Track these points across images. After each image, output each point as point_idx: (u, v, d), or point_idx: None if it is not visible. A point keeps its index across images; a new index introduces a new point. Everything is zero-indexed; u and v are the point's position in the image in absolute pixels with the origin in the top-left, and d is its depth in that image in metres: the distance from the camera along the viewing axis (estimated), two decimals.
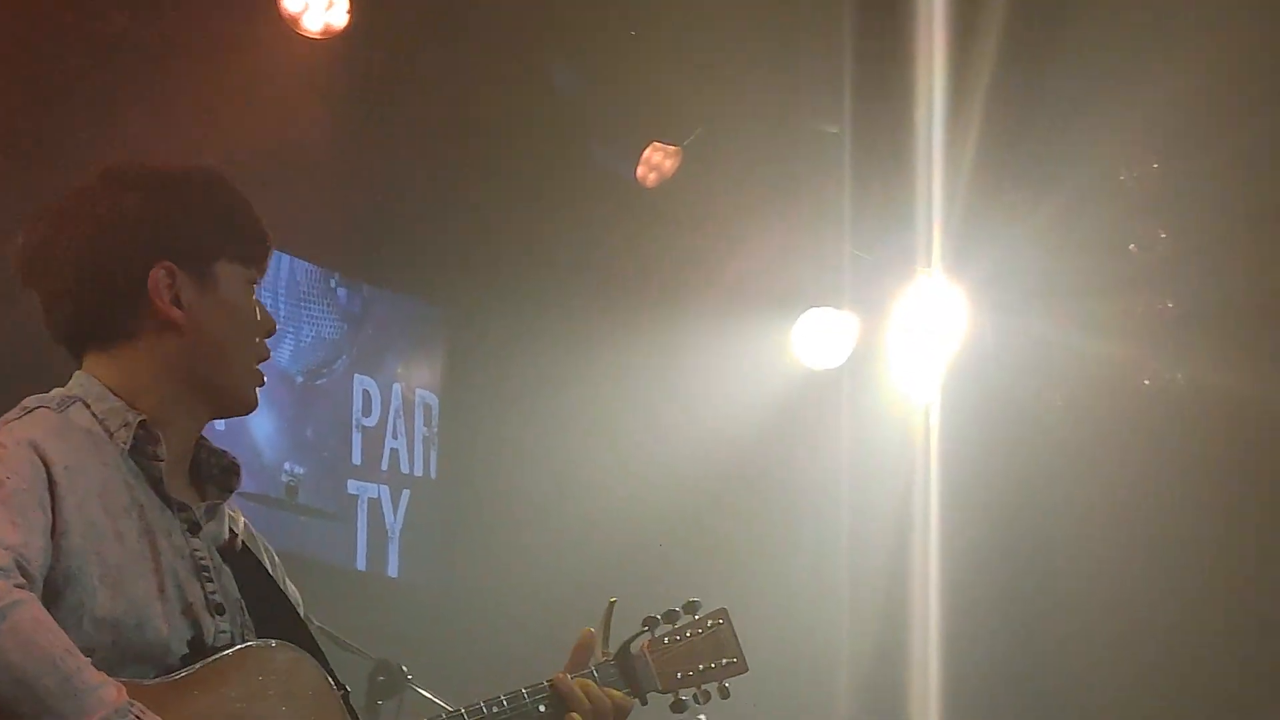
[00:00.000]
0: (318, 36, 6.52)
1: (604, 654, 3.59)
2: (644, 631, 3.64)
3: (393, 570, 7.31)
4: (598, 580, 7.03)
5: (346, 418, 7.22)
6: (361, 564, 7.18)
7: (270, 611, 3.15)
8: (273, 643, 3.07)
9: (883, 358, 7.74)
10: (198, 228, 3.14)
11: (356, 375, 7.32)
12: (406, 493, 7.36)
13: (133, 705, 2.76)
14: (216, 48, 6.44)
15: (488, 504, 7.42)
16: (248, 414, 3.26)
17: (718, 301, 7.57)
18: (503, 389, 7.44)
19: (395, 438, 7.36)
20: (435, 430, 7.48)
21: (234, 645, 3.04)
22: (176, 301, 3.09)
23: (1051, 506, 7.77)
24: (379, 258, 7.42)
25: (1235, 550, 7.80)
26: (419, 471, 7.45)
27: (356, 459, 7.16)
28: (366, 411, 7.30)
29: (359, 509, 7.11)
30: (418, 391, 7.47)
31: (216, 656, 2.99)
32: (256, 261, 3.20)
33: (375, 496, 7.21)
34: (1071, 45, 7.19)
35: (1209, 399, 7.58)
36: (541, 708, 3.44)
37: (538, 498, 7.35)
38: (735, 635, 3.73)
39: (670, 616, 3.67)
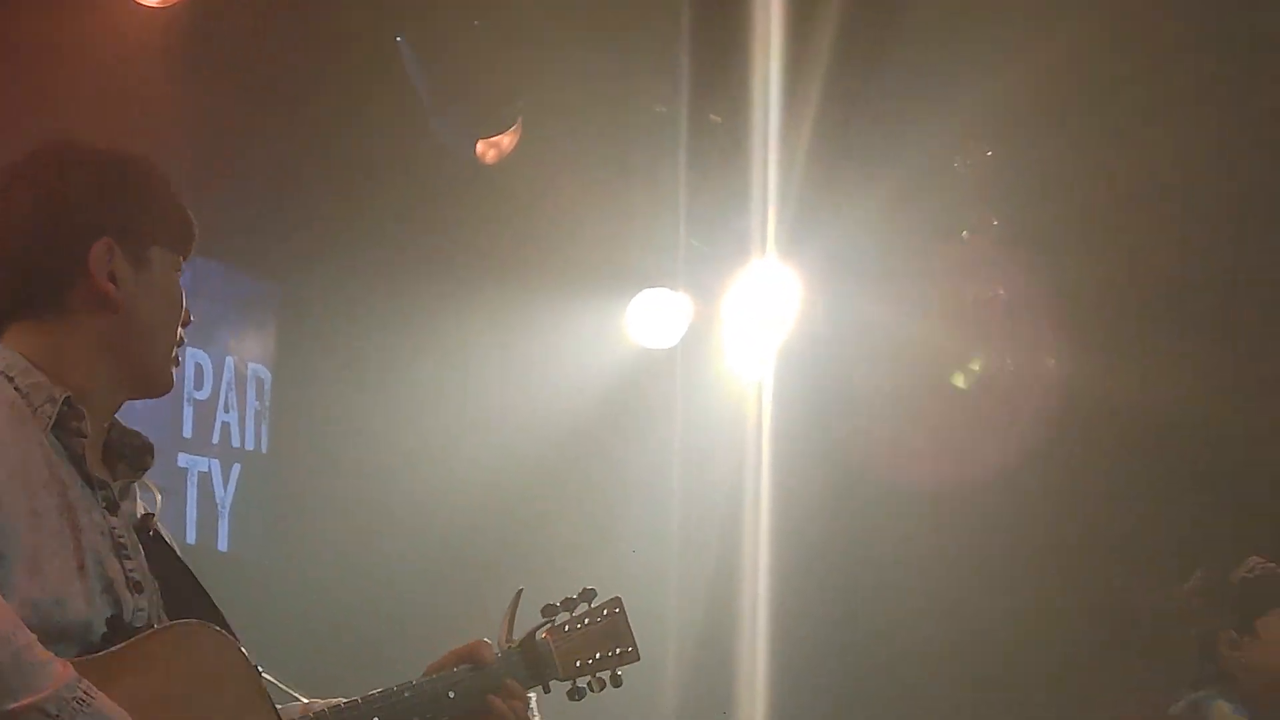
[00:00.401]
0: (155, 5, 6.43)
1: (508, 642, 3.62)
2: (547, 621, 3.67)
3: (223, 544, 7.22)
4: (429, 558, 7.13)
5: (178, 390, 7.08)
6: (191, 538, 7.09)
7: (182, 591, 3.15)
8: (193, 623, 3.06)
9: (716, 339, 7.79)
10: (138, 210, 3.18)
11: (188, 348, 7.20)
12: (238, 467, 7.26)
13: (80, 681, 2.77)
14: (50, 14, 6.32)
15: (319, 479, 7.36)
16: (163, 395, 3.27)
17: (554, 280, 7.55)
18: (337, 365, 7.39)
19: (227, 411, 7.27)
20: (268, 404, 7.39)
21: (152, 624, 3.03)
22: (112, 279, 3.10)
23: (878, 488, 7.88)
24: (212, 231, 7.28)
25: (1057, 536, 7.97)
26: (250, 445, 7.36)
27: (187, 432, 7.05)
28: (198, 384, 7.19)
29: (189, 482, 7.02)
30: (250, 365, 7.38)
31: (143, 635, 2.98)
32: (184, 250, 3.24)
33: (206, 470, 7.11)
34: (907, 34, 7.23)
35: (1038, 386, 7.73)
36: (451, 694, 3.45)
37: (371, 474, 7.30)
38: (629, 624, 3.79)
39: (568, 604, 3.70)
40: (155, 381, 3.21)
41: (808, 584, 7.79)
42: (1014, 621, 7.93)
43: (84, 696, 2.77)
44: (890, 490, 7.87)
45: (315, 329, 7.46)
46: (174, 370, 3.24)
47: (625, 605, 3.80)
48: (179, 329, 3.23)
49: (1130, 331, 7.75)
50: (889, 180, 7.54)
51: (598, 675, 3.72)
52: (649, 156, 7.53)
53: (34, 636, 2.77)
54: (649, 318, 7.74)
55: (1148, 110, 7.06)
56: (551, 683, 3.67)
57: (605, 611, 3.76)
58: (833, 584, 7.89)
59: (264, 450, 7.40)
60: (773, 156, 7.26)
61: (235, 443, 7.27)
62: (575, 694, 3.71)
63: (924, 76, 7.32)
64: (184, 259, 3.25)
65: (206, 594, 3.19)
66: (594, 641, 3.72)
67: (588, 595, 3.73)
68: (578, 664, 3.69)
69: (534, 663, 3.64)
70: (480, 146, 7.34)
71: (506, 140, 7.36)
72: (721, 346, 7.81)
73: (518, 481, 7.50)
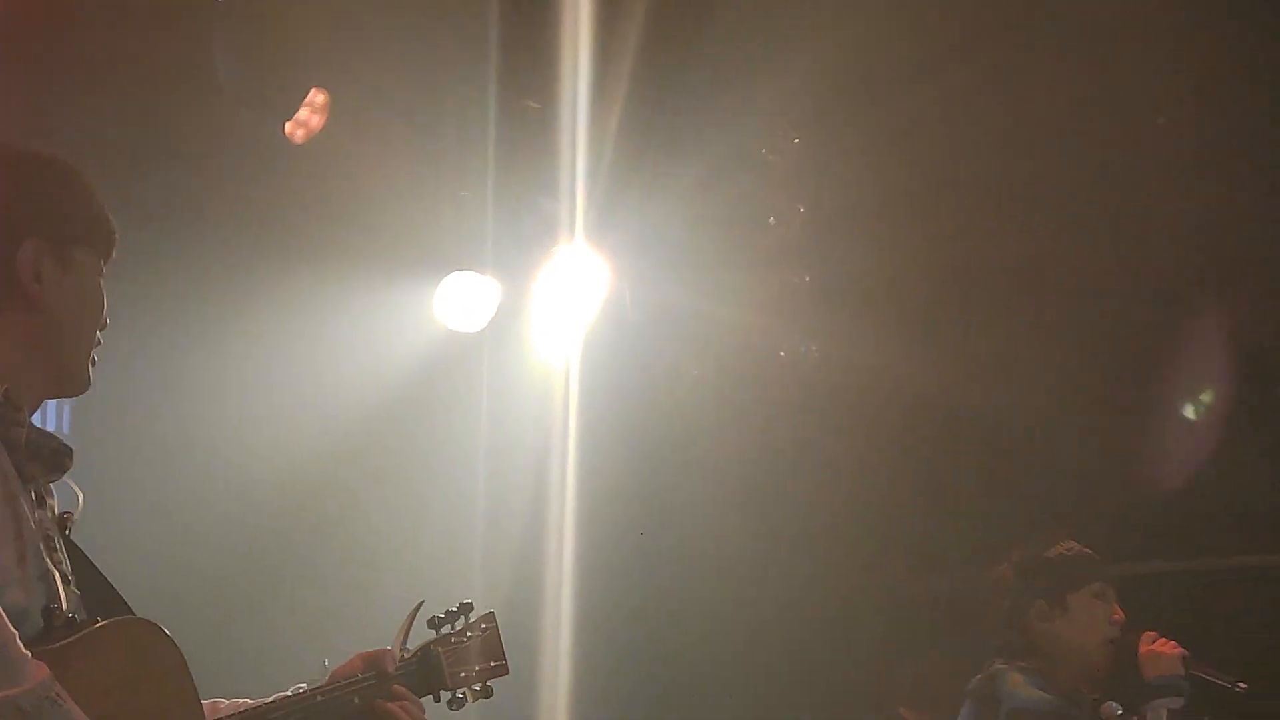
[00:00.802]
0: None
1: (403, 653, 3.77)
2: (437, 634, 3.87)
3: None
4: (235, 539, 7.06)
5: None
6: None
7: (96, 588, 3.21)
8: (138, 620, 3.14)
9: (524, 323, 7.79)
10: (63, 211, 3.24)
11: None
12: None
13: (54, 683, 2.81)
14: None
15: (124, 463, 7.25)
16: (79, 395, 3.35)
17: (362, 263, 7.51)
18: (140, 343, 7.27)
19: None
20: None
21: (77, 618, 3.07)
22: (38, 279, 3.15)
23: (684, 471, 7.96)
24: None
25: (856, 519, 8.13)
26: (52, 425, 7.26)
27: None
28: None
29: None
30: None
31: (93, 629, 3.03)
32: (105, 253, 3.29)
33: None
34: (717, 21, 7.25)
35: (841, 372, 7.82)
36: (356, 699, 3.59)
37: (176, 456, 7.20)
38: (500, 638, 4.03)
39: (451, 617, 3.92)
40: (75, 381, 3.28)
41: (612, 566, 7.83)
42: (813, 599, 8.09)
43: (57, 698, 2.81)
44: (695, 474, 7.94)
45: (120, 310, 7.34)
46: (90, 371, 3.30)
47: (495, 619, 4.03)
48: (98, 331, 3.29)
49: (933, 319, 7.89)
50: (696, 166, 7.58)
51: (473, 686, 3.92)
52: (457, 140, 7.49)
53: (15, 632, 2.80)
54: (457, 301, 7.70)
55: (950, 100, 7.12)
56: (440, 692, 3.86)
57: (483, 626, 3.98)
58: (637, 566, 7.96)
59: (65, 429, 7.27)
60: (581, 141, 7.25)
61: (37, 419, 7.16)
62: (455, 704, 3.90)
63: (732, 64, 7.33)
64: (105, 262, 3.30)
65: (118, 592, 3.26)
66: (474, 654, 3.93)
67: (465, 609, 3.94)
68: (461, 675, 3.89)
69: (427, 673, 3.83)
70: (289, 126, 7.23)
71: (315, 120, 7.25)
72: (529, 330, 7.81)
73: (324, 464, 7.45)
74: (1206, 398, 7.81)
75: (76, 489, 3.31)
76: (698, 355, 7.88)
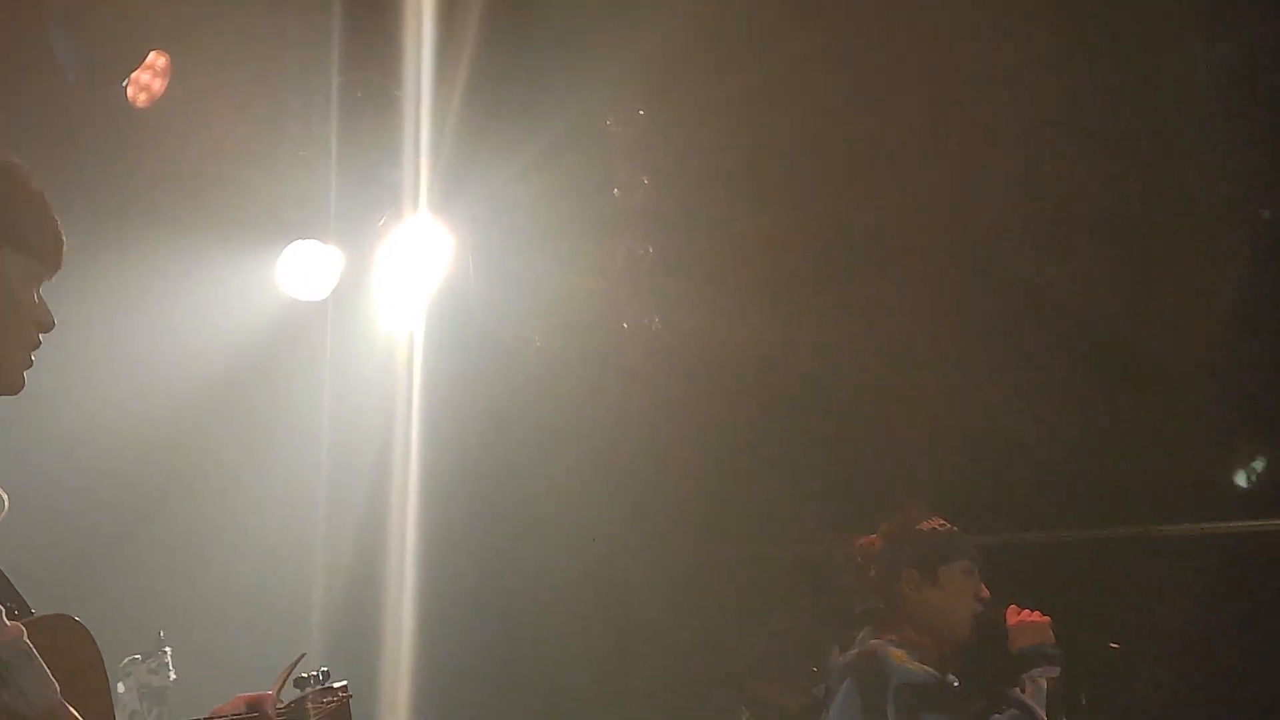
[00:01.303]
0: None
1: (279, 705, 3.83)
2: (307, 692, 3.98)
3: None
4: (73, 507, 6.93)
5: None
6: None
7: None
8: (64, 616, 3.22)
9: (367, 291, 7.75)
10: None
11: None
12: None
13: (25, 636, 2.87)
14: None
15: None
16: (13, 395, 3.39)
17: (205, 230, 7.40)
18: None
19: None
20: None
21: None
22: None
23: (528, 441, 7.92)
24: None
25: (706, 489, 8.18)
26: None
27: None
28: None
29: None
30: None
31: (26, 621, 3.05)
32: (44, 258, 3.29)
33: None
34: None
35: (683, 341, 7.85)
36: None
37: (9, 424, 7.09)
38: (350, 711, 4.12)
39: (315, 680, 4.02)
40: (2, 382, 3.31)
41: (456, 535, 7.81)
42: (661, 568, 8.08)
43: (29, 650, 2.86)
44: (539, 443, 7.91)
45: None
46: (25, 370, 3.36)
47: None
48: (35, 332, 3.30)
49: (777, 288, 7.89)
50: (541, 137, 7.56)
51: None
52: (301, 108, 7.43)
53: None
54: (299, 269, 7.62)
55: (792, 71, 7.15)
56: None
57: (340, 694, 4.08)
58: (480, 531, 7.94)
59: None
60: (425, 111, 7.22)
61: None
62: None
63: (577, 36, 7.33)
64: (45, 266, 3.31)
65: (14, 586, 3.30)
66: (330, 717, 4.05)
67: (329, 676, 4.04)
68: None
69: None
70: (130, 90, 7.13)
71: (157, 84, 7.15)
72: (372, 299, 7.76)
73: (166, 433, 7.37)
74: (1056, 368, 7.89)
75: (3, 494, 3.40)
76: (541, 325, 7.87)
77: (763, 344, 7.84)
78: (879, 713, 5.90)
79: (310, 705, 3.97)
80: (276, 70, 7.35)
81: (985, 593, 6.04)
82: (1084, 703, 5.97)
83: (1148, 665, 6.60)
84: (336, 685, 4.07)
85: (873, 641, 5.92)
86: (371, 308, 7.76)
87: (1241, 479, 8.30)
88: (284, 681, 3.89)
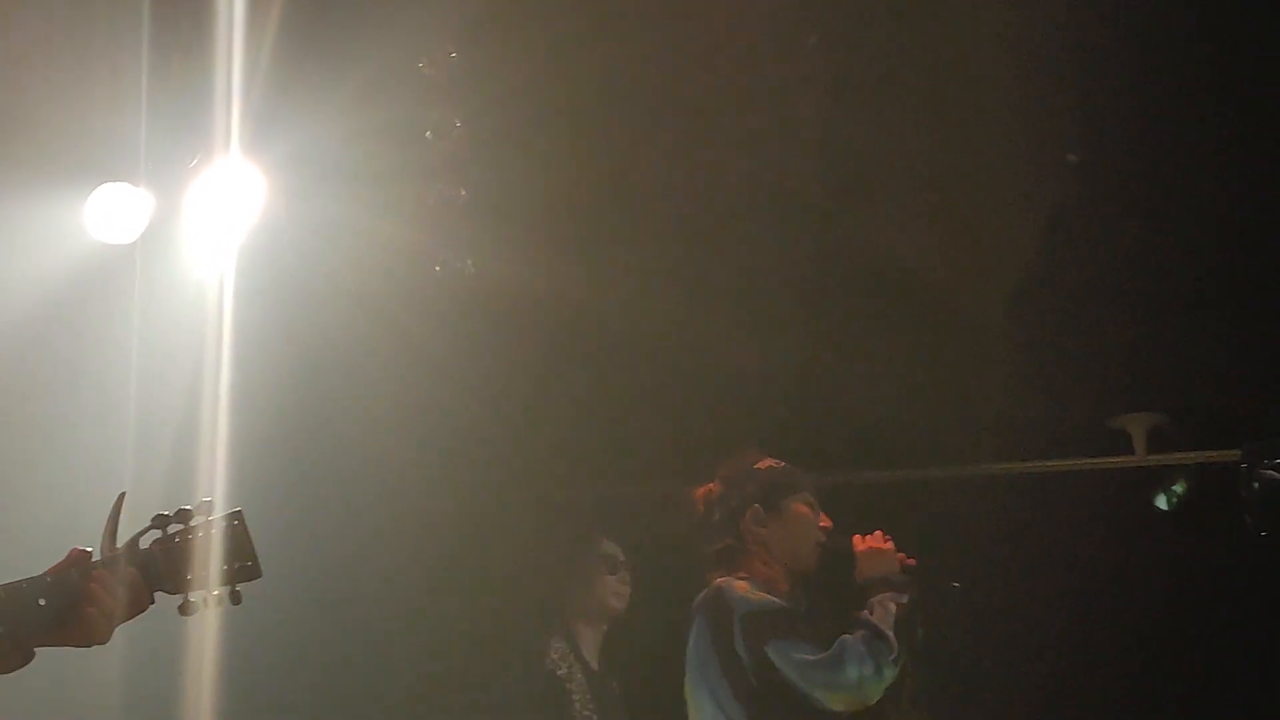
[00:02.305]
0: None
1: (111, 549, 3.61)
2: (153, 529, 3.66)
3: None
4: None
5: None
6: None
7: None
8: None
9: (177, 235, 7.57)
10: None
11: None
12: None
13: None
14: None
15: None
16: None
17: (6, 171, 7.20)
18: None
19: None
20: None
21: None
22: None
23: (342, 386, 7.87)
24: None
25: (518, 433, 8.33)
26: None
27: None
28: None
29: None
30: None
31: None
32: None
33: None
34: None
35: (498, 286, 7.80)
36: (41, 601, 3.46)
37: None
38: (249, 537, 3.80)
39: (183, 515, 3.71)
40: None
41: (266, 481, 7.50)
42: (473, 512, 8.30)
43: None
44: (352, 388, 7.88)
45: None
46: None
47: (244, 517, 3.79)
48: None
49: (592, 234, 7.94)
50: (353, 79, 7.40)
51: (212, 590, 3.72)
52: (109, 47, 7.19)
53: None
54: (107, 213, 7.44)
55: (612, 14, 7.12)
56: (157, 594, 3.66)
57: (224, 524, 3.75)
58: (291, 479, 7.86)
59: None
60: (237, 52, 7.04)
61: None
62: (186, 609, 3.70)
63: None
64: None
65: None
66: (209, 554, 3.71)
67: (206, 508, 3.73)
68: (189, 577, 3.70)
69: (146, 569, 3.66)
70: None
71: None
72: (183, 243, 7.59)
73: None
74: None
75: None
76: (355, 270, 7.75)
77: (577, 289, 7.85)
78: (728, 644, 5.98)
79: (155, 545, 3.69)
80: (82, 6, 7.14)
81: (827, 521, 6.32)
82: (921, 637, 6.01)
83: (987, 606, 6.75)
84: (223, 515, 3.73)
85: (719, 579, 6.17)
86: (182, 252, 7.58)
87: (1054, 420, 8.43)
88: (113, 526, 3.67)
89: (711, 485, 6.52)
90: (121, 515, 3.83)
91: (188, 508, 3.73)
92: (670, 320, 8.00)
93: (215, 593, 3.74)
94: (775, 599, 6.20)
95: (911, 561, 6.19)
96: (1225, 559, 8.15)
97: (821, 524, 6.37)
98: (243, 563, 3.81)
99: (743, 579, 6.22)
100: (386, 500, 8.00)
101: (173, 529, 3.71)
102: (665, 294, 7.94)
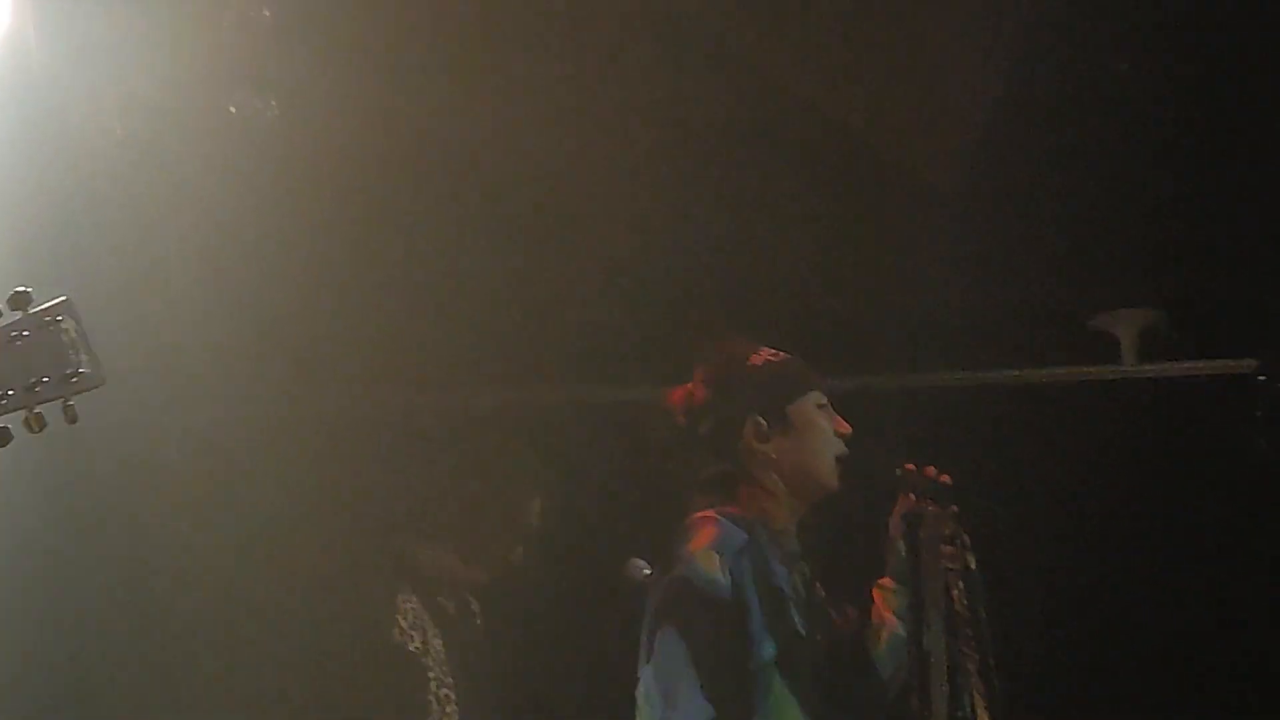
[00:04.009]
0: None
1: None
2: None
3: None
4: None
5: None
6: None
7: None
8: None
9: None
10: None
11: None
12: None
13: None
14: None
15: None
16: None
17: None
18: None
19: None
20: None
21: None
22: None
23: (111, 245, 6.55)
24: None
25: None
26: None
27: None
28: None
29: None
30: None
31: None
32: None
33: None
34: None
35: (305, 132, 6.40)
36: None
37: None
38: (82, 337, 3.28)
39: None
40: None
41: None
42: (302, 414, 7.31)
43: None
44: (124, 248, 6.52)
45: None
46: None
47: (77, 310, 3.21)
48: None
49: (459, 62, 6.55)
50: None
51: (35, 410, 3.25)
52: None
53: None
54: None
55: None
56: None
57: (46, 321, 3.19)
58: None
59: None
60: None
61: None
62: (3, 437, 3.19)
63: None
64: None
65: None
66: (27, 365, 3.19)
67: (21, 300, 3.20)
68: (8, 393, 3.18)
69: None
70: None
71: None
72: None
73: None
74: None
75: None
76: (124, 110, 6.30)
77: (437, 130, 6.64)
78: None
79: None
80: None
81: (845, 426, 5.45)
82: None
83: None
84: (38, 311, 3.16)
85: (701, 514, 5.26)
86: None
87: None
88: None
89: (692, 387, 5.45)
90: None
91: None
92: (554, 169, 6.81)
93: (39, 411, 3.26)
94: (724, 580, 5.14)
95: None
96: (1228, 492, 7.32)
97: (839, 430, 5.42)
98: (74, 371, 3.22)
99: (731, 518, 5.27)
100: (178, 411, 6.88)
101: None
102: (546, 128, 6.65)
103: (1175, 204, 6.87)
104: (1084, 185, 6.88)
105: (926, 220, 6.98)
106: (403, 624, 6.17)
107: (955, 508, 5.30)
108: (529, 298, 7.19)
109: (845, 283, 7.28)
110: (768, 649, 5.22)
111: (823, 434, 5.41)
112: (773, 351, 5.48)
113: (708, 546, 5.17)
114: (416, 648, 6.18)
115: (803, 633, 5.37)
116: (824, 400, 5.46)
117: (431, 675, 6.20)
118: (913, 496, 5.33)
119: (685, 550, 5.17)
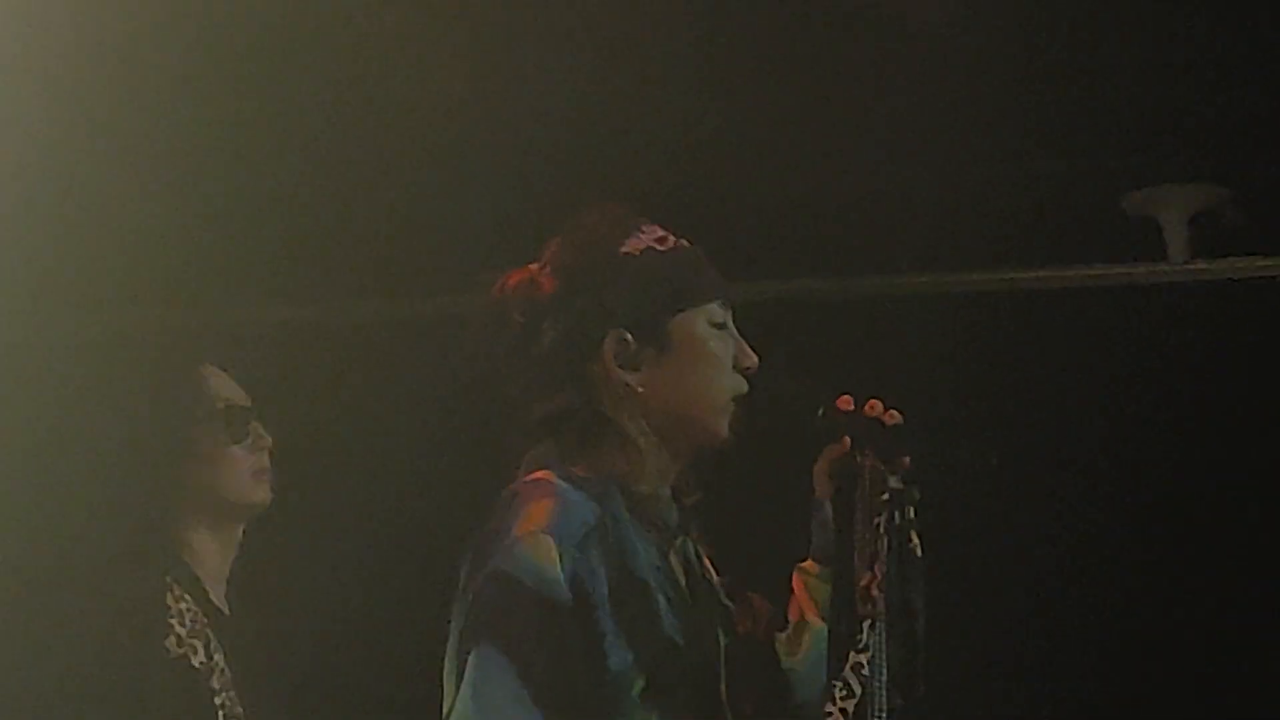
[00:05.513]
0: None
1: None
2: None
3: None
4: None
5: None
6: None
7: None
8: None
9: None
10: None
11: None
12: None
13: None
14: None
15: None
16: None
17: None
18: None
19: None
20: None
21: None
22: None
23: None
24: None
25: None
26: None
27: None
28: None
29: None
30: None
31: None
32: None
33: None
34: None
35: None
36: None
37: None
38: None
39: None
40: None
41: None
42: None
43: None
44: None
45: None
46: None
47: None
48: None
49: None
50: None
51: None
52: None
53: None
54: None
55: None
56: None
57: None
58: None
59: None
60: None
61: None
62: None
63: None
64: None
65: None
66: None
67: None
68: None
69: None
70: None
71: None
72: None
73: None
74: None
75: None
76: None
77: None
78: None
79: None
80: None
81: (751, 357, 4.18)
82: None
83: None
84: None
85: (534, 475, 3.98)
86: None
87: None
88: None
89: (536, 273, 4.07)
90: None
91: None
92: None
93: None
94: (555, 572, 3.85)
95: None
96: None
97: (742, 363, 4.11)
98: None
99: (576, 474, 3.96)
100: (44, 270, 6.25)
101: None
102: None
103: (1237, 49, 5.58)
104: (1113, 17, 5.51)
105: (892, 60, 5.72)
106: (180, 631, 4.88)
107: (907, 459, 4.01)
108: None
109: (774, 144, 6.00)
110: (621, 658, 3.85)
111: (715, 364, 4.08)
112: (661, 234, 4.14)
113: (541, 529, 3.83)
114: (201, 663, 4.90)
115: (678, 639, 3.91)
116: (725, 316, 4.11)
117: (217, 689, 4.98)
118: (847, 442, 4.04)
119: (510, 533, 3.84)
